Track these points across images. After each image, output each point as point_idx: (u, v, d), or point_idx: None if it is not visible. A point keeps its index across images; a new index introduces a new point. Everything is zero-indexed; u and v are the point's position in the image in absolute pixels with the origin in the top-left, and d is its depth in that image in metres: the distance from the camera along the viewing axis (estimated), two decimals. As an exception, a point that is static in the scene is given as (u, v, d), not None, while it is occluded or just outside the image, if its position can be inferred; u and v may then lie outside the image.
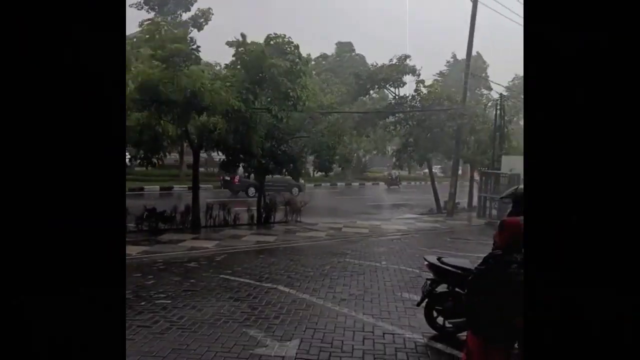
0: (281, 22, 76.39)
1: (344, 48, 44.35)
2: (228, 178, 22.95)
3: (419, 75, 20.68)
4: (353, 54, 43.93)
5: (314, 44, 63.97)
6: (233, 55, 13.06)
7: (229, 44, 12.90)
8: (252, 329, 5.54)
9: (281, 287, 7.35)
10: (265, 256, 9.99)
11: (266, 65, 12.29)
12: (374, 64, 22.66)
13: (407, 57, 20.84)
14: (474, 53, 22.82)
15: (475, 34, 19.17)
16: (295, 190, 26.51)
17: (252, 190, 23.43)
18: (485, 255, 3.58)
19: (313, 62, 27.18)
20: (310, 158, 16.26)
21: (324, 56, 43.68)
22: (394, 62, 20.63)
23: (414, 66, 20.72)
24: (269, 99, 13.05)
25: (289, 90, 12.51)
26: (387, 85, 21.16)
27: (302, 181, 27.04)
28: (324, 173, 17.26)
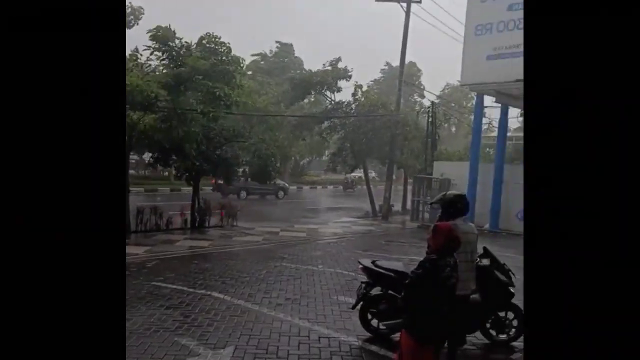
0: (226, 22, 75.05)
1: (285, 49, 43.74)
2: (221, 181, 22.38)
3: (350, 77, 21.01)
4: (292, 56, 43.58)
5: (263, 44, 63.63)
6: (148, 46, 12.68)
7: (153, 37, 12.49)
8: (184, 337, 5.35)
9: (215, 294, 7.18)
10: (199, 262, 9.72)
11: (188, 64, 12.09)
12: (310, 69, 22.88)
13: (338, 60, 21.16)
14: (407, 61, 23.53)
15: (408, 42, 19.82)
16: (280, 193, 26.62)
17: (243, 194, 23.43)
18: (417, 257, 3.68)
19: (246, 64, 26.89)
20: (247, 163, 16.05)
21: (263, 56, 42.92)
22: (327, 68, 20.87)
23: (345, 67, 21.06)
24: (199, 100, 12.75)
25: (216, 90, 12.24)
26: (324, 90, 21.37)
27: (286, 184, 27.21)
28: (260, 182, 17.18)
